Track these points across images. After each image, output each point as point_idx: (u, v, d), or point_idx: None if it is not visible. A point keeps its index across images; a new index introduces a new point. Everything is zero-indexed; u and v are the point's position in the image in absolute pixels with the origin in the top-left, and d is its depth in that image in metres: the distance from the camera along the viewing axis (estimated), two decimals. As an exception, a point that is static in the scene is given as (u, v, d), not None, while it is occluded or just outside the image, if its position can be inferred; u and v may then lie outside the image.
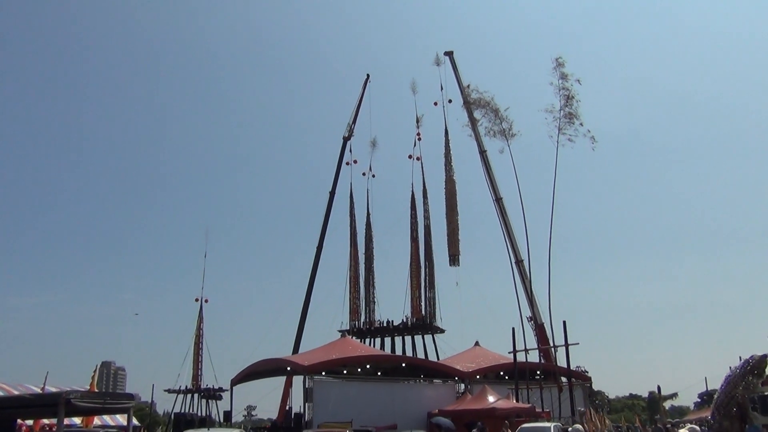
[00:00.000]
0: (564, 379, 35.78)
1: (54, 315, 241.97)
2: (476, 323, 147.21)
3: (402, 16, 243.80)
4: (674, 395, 62.97)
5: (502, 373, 41.93)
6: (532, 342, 40.23)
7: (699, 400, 64.99)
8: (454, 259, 52.41)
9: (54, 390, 24.09)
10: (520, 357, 35.39)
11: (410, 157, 56.39)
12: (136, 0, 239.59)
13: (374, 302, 55.19)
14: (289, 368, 39.12)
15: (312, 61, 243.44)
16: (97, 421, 28.40)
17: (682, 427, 30.99)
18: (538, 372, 39.29)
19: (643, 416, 62.10)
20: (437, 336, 52.70)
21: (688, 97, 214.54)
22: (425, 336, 52.73)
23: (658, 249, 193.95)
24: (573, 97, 37.00)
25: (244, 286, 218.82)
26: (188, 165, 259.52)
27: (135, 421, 33.49)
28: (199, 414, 48.58)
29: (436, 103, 55.84)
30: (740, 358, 25.18)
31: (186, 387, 52.60)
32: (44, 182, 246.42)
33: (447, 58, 57.21)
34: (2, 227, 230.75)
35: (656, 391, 48.79)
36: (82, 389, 25.43)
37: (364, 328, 53.93)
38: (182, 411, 50.15)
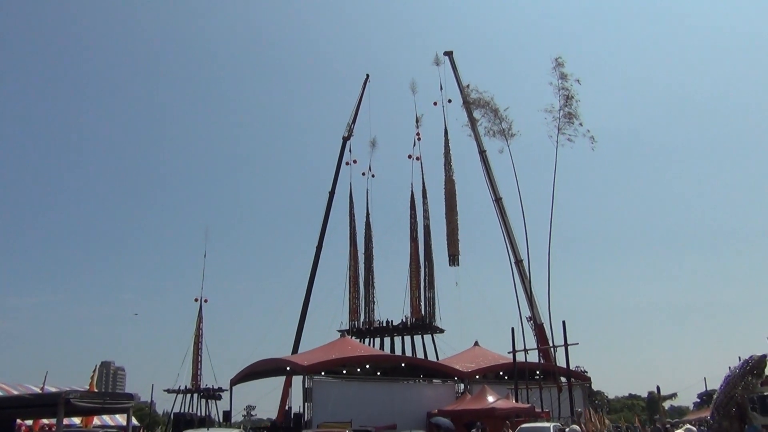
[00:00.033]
0: (563, 379, 35.78)
1: (53, 315, 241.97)
2: (476, 323, 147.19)
3: (401, 16, 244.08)
4: (673, 395, 63.05)
5: (501, 373, 41.94)
6: (531, 342, 40.28)
7: (698, 400, 65.03)
8: (453, 259, 52.40)
9: (53, 390, 24.10)
10: (520, 357, 35.41)
11: (410, 157, 56.40)
12: (136, 0, 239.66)
13: (374, 302, 55.23)
14: (288, 368, 39.13)
15: (312, 61, 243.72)
16: (96, 421, 28.40)
17: (680, 428, 31.04)
18: (538, 372, 39.32)
19: (643, 416, 62.12)
20: (437, 336, 52.73)
21: (688, 97, 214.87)
22: (425, 336, 52.72)
23: (657, 249, 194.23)
24: (572, 97, 37.09)
25: (244, 286, 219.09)
26: (188, 165, 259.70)
27: (134, 421, 33.51)
28: (199, 414, 48.56)
29: (435, 103, 55.87)
30: (739, 358, 25.15)
31: (185, 387, 52.60)
32: (44, 182, 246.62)
33: (446, 58, 57.20)
34: (2, 227, 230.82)
35: (655, 392, 48.82)
36: (82, 389, 25.45)
37: (364, 328, 53.92)
38: (182, 411, 50.13)
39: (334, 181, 58.79)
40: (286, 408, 46.36)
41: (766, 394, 22.66)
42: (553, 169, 37.65)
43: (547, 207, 38.35)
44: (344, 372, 38.05)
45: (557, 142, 36.99)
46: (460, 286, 53.59)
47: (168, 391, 52.53)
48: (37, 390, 27.90)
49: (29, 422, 24.69)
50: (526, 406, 32.49)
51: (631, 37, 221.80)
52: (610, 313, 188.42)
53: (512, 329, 35.43)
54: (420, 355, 50.73)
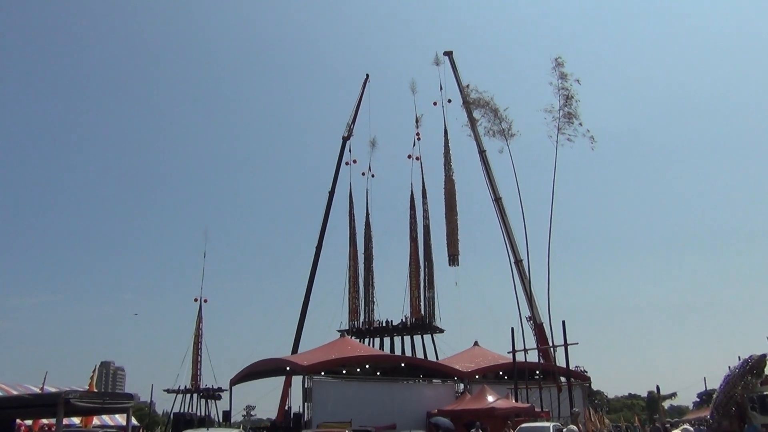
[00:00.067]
0: (563, 379, 35.78)
1: (53, 315, 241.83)
2: (475, 323, 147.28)
3: (401, 16, 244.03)
4: (673, 395, 63.03)
5: (501, 373, 41.94)
6: (531, 342, 40.22)
7: (698, 399, 65.13)
8: (453, 258, 52.40)
9: (53, 390, 24.11)
10: (520, 357, 35.38)
11: (409, 157, 56.38)
12: (136, 0, 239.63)
13: (373, 302, 55.22)
14: (288, 368, 39.13)
15: (311, 61, 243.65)
16: (96, 421, 28.39)
17: (678, 428, 31.07)
18: (538, 372, 39.31)
19: (643, 416, 62.15)
20: (436, 336, 52.71)
21: (688, 97, 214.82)
22: (424, 336, 52.71)
23: (657, 249, 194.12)
24: (572, 97, 37.04)
25: (244, 286, 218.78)
26: (187, 165, 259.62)
27: (134, 421, 33.49)
28: (199, 414, 48.54)
29: (435, 103, 55.83)
30: (739, 357, 25.16)
31: (185, 387, 52.58)
32: (44, 182, 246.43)
33: (446, 58, 57.18)
34: (2, 227, 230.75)
35: (655, 391, 48.84)
36: (81, 389, 25.46)
37: (364, 328, 53.92)
38: (181, 411, 50.10)
39: (333, 181, 58.86)
40: (286, 408, 46.36)
41: (765, 393, 22.66)
42: (553, 169, 37.64)
43: (546, 207, 38.37)
44: (344, 372, 38.05)
45: (557, 142, 36.96)
46: (460, 286, 53.71)
47: (168, 391, 52.56)
48: (37, 390, 27.89)
49: (29, 422, 24.68)
50: (526, 405, 32.49)
51: (631, 37, 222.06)
52: (610, 313, 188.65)
53: (512, 329, 35.45)
54: (420, 355, 50.74)
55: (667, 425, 33.21)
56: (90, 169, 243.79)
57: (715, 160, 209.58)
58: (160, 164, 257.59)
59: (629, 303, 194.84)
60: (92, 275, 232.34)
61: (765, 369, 23.71)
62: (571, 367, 36.96)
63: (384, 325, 53.56)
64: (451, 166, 54.82)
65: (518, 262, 46.23)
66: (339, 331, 51.55)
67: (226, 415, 42.25)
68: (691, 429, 28.96)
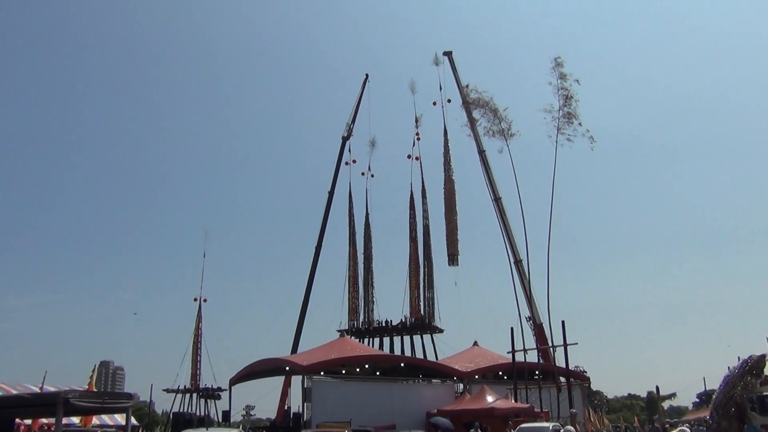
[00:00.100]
0: (563, 379, 35.80)
1: (53, 315, 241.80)
2: (475, 323, 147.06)
3: (401, 16, 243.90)
4: (673, 395, 63.13)
5: (500, 373, 41.95)
6: (530, 342, 40.26)
7: (697, 400, 65.23)
8: (452, 258, 52.41)
9: (52, 389, 24.11)
10: (519, 357, 35.41)
11: (409, 157, 56.39)
12: (136, 0, 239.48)
13: (373, 302, 55.23)
14: (287, 368, 39.13)
15: (311, 61, 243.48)
16: (95, 420, 28.41)
17: (675, 428, 31.08)
18: (537, 372, 39.32)
19: (642, 416, 62.20)
20: (436, 336, 52.72)
21: (688, 97, 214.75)
22: (424, 336, 52.72)
23: (657, 249, 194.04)
24: (572, 97, 37.14)
25: (243, 286, 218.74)
26: (187, 165, 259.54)
27: (133, 421, 33.48)
28: (198, 414, 48.51)
29: (435, 103, 55.84)
30: (739, 358, 25.17)
31: (185, 387, 52.57)
32: (44, 182, 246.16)
33: (446, 58, 57.18)
34: (1, 227, 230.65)
35: (655, 391, 48.93)
36: (81, 389, 25.44)
37: (363, 328, 53.93)
38: (181, 411, 50.08)
39: (333, 181, 58.84)
40: (286, 408, 46.37)
41: (765, 393, 22.68)
42: (553, 169, 37.74)
43: (546, 207, 38.44)
44: (343, 372, 38.06)
45: (556, 142, 37.06)
46: (460, 286, 53.45)
47: (167, 390, 52.56)
48: (36, 389, 27.93)
49: (28, 422, 24.69)
50: (526, 406, 32.50)
51: (631, 37, 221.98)
52: (610, 313, 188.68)
53: (511, 329, 35.48)
54: (419, 355, 50.76)
55: (667, 425, 33.25)
56: (90, 169, 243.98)
57: (715, 160, 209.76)
58: (160, 164, 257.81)
59: (629, 303, 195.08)
60: (92, 275, 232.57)
61: (764, 369, 23.74)
62: (571, 367, 37.00)
63: (383, 325, 53.58)
64: (450, 166, 54.91)
65: (518, 262, 46.25)
66: (338, 331, 51.57)
67: (226, 414, 42.27)
68: (688, 430, 28.97)
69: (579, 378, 43.25)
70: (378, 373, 39.26)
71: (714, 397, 27.74)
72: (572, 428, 25.17)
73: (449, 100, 54.48)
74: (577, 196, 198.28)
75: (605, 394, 75.73)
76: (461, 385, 39.03)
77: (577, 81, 37.22)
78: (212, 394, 51.43)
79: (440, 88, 55.25)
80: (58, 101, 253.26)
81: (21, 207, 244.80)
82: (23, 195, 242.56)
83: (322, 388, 34.42)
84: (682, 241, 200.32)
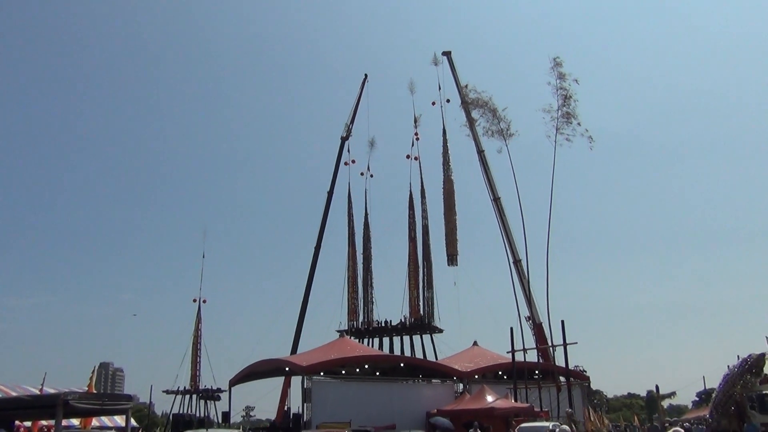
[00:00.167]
0: (562, 379, 35.81)
1: (52, 316, 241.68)
2: (474, 323, 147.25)
3: (400, 16, 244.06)
4: (672, 394, 63.11)
5: (500, 372, 41.96)
6: (530, 342, 40.29)
7: (697, 398, 65.21)
8: (452, 258, 52.40)
9: (52, 391, 24.11)
10: (519, 357, 35.42)
11: (408, 157, 56.35)
12: (136, 0, 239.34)
13: (372, 302, 55.17)
14: (287, 368, 39.11)
15: (310, 61, 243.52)
16: (95, 422, 28.31)
17: (672, 427, 31.15)
18: (537, 372, 39.34)
19: (642, 415, 62.23)
20: (435, 336, 52.69)
21: (688, 97, 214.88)
22: (423, 336, 52.69)
23: (656, 249, 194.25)
24: (571, 97, 37.16)
25: (243, 287, 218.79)
26: (186, 165, 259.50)
27: (133, 422, 33.42)
28: (198, 415, 48.45)
29: (434, 103, 55.83)
30: (738, 357, 25.23)
31: (184, 388, 52.42)
32: (43, 182, 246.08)
33: (445, 57, 57.24)
34: (1, 227, 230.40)
35: (654, 390, 48.93)
36: (80, 390, 25.46)
37: (363, 328, 53.90)
38: (180, 412, 49.99)
39: (332, 181, 58.79)
40: (285, 408, 46.33)
41: (764, 392, 22.72)
42: (552, 168, 37.76)
43: (545, 207, 38.45)
44: (343, 372, 38.04)
45: (555, 141, 37.08)
46: (459, 286, 53.49)
47: (167, 392, 52.40)
48: (36, 391, 27.89)
49: (28, 423, 24.63)
50: (525, 405, 32.51)
51: (631, 37, 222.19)
52: (609, 313, 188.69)
53: (511, 329, 35.50)
54: (419, 355, 50.74)
55: (666, 424, 33.30)
56: (89, 169, 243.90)
57: (715, 160, 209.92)
58: (159, 164, 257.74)
59: (629, 302, 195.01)
60: (91, 276, 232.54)
61: (764, 368, 23.78)
62: (570, 366, 36.99)
63: (383, 325, 53.56)
64: (449, 166, 54.89)
65: (517, 262, 46.25)
66: (338, 331, 51.55)
67: (226, 415, 42.25)
68: (681, 430, 29.10)
69: (579, 377, 43.25)
70: (378, 374, 39.25)
71: (714, 395, 27.80)
72: (567, 428, 25.22)
73: (448, 100, 54.56)
74: (576, 196, 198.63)
75: (605, 393, 75.62)
76: (461, 385, 39.03)
77: (576, 81, 37.30)
78: (212, 395, 51.31)
79: (439, 88, 55.37)
80: (58, 101, 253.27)
81: (20, 207, 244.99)
82: (23, 195, 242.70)
83: (322, 389, 34.41)
84: (682, 241, 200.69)
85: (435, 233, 55.14)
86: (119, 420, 29.19)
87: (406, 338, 53.19)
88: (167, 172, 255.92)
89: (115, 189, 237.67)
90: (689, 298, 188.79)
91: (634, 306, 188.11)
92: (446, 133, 55.51)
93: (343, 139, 60.01)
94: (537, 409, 32.69)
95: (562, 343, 33.48)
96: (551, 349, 37.86)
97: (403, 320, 53.06)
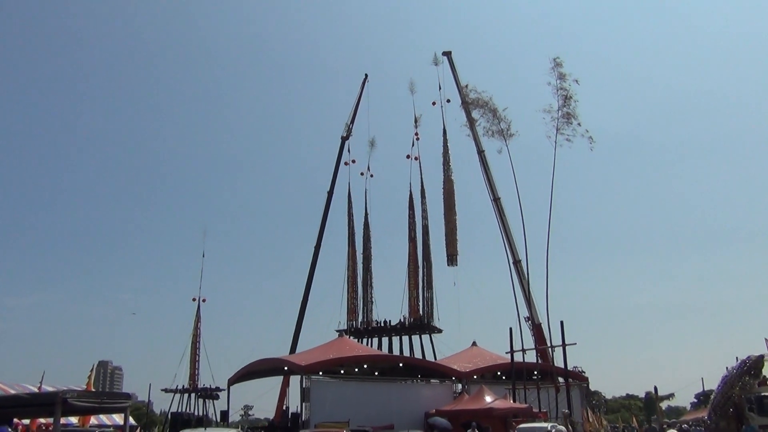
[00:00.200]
0: (561, 380, 35.84)
1: (51, 314, 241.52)
2: (474, 323, 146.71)
3: (400, 16, 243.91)
4: (671, 395, 63.28)
5: (499, 373, 42.00)
6: (529, 342, 40.32)
7: (696, 400, 65.33)
8: (452, 259, 52.42)
9: (51, 389, 24.05)
10: (518, 357, 35.44)
11: (408, 157, 56.44)
12: (137, 0, 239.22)
13: (372, 302, 55.21)
14: (286, 368, 39.15)
15: (310, 61, 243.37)
16: (93, 420, 28.39)
17: (671, 428, 31.18)
18: (536, 372, 39.35)
19: (640, 416, 62.25)
20: (435, 336, 52.72)
21: (688, 97, 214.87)
22: (423, 336, 52.72)
23: (656, 249, 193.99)
24: (571, 98, 37.29)
25: (242, 286, 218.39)
26: (186, 165, 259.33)
27: (132, 421, 33.46)
28: (196, 413, 48.50)
29: (434, 103, 55.87)
30: (737, 358, 25.24)
31: (183, 386, 52.46)
32: (42, 181, 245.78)
33: (445, 58, 57.28)
34: (0, 227, 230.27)
35: (653, 392, 48.93)
36: (79, 388, 25.42)
37: (362, 328, 53.93)
38: (179, 410, 50.02)
39: (332, 181, 58.81)
40: (284, 408, 46.34)
41: (763, 394, 22.72)
42: (552, 169, 37.82)
43: (545, 207, 38.54)
44: (342, 372, 38.06)
45: (556, 142, 37.16)
46: (458, 286, 53.49)
47: (165, 390, 52.44)
48: (35, 389, 27.87)
49: (26, 421, 24.65)
50: (524, 406, 32.52)
51: (631, 37, 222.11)
52: (608, 313, 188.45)
53: (510, 329, 35.54)
54: (418, 355, 50.76)
55: (665, 426, 33.32)
56: (88, 169, 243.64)
57: (715, 160, 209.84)
58: (159, 164, 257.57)
59: (628, 303, 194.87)
60: (90, 274, 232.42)
61: (762, 370, 23.79)
62: (569, 367, 37.01)
63: (382, 325, 53.58)
64: (449, 166, 54.93)
65: (517, 263, 46.28)
66: (337, 330, 51.55)
67: (224, 414, 42.26)
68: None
69: (577, 378, 43.28)
70: (376, 373, 39.28)
71: (712, 397, 27.83)
72: (563, 428, 25.26)
73: (448, 100, 54.60)
74: (576, 196, 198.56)
75: (603, 394, 75.81)
76: (460, 385, 39.06)
77: (576, 81, 37.41)
78: (211, 394, 51.35)
79: (439, 88, 55.41)
80: (57, 101, 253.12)
81: (19, 207, 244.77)
82: (22, 194, 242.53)
83: (321, 388, 34.41)
84: (682, 241, 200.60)
85: (435, 233, 55.27)
86: (117, 418, 29.21)
87: (405, 338, 53.26)
88: (167, 172, 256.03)
89: (115, 188, 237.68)
90: (689, 298, 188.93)
91: (633, 306, 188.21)
92: (446, 133, 55.65)
93: (343, 139, 60.06)
94: (535, 410, 32.71)
95: (561, 343, 33.52)
96: (550, 349, 37.90)
97: (402, 320, 53.09)
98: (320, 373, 35.88)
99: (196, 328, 54.13)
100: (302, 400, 34.67)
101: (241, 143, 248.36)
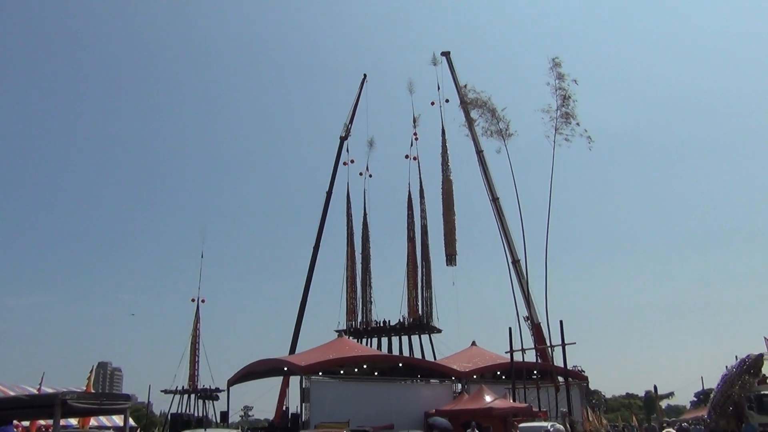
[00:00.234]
0: (561, 379, 35.85)
1: (50, 315, 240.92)
2: (473, 323, 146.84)
3: (399, 16, 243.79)
4: (671, 394, 63.35)
5: (498, 372, 42.00)
6: (529, 342, 40.40)
7: (695, 399, 65.35)
8: (450, 258, 52.44)
9: (50, 391, 24.04)
10: (517, 357, 35.48)
11: (407, 157, 56.50)
12: (137, 0, 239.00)
13: (371, 302, 55.21)
14: (286, 368, 39.12)
15: (309, 61, 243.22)
16: (93, 422, 28.30)
17: (670, 428, 31.22)
18: (535, 372, 39.36)
19: (640, 415, 62.31)
20: (434, 336, 52.73)
21: (688, 97, 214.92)
22: (422, 336, 52.74)
23: (655, 249, 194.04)
24: (569, 97, 37.28)
25: (241, 287, 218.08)
26: (185, 165, 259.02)
27: (131, 422, 33.41)
28: (196, 414, 48.44)
29: (433, 103, 55.89)
30: (736, 357, 25.29)
31: (183, 387, 52.41)
32: (42, 182, 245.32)
33: (444, 58, 57.31)
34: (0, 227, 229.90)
35: (653, 391, 49.01)
36: (79, 390, 25.39)
37: (361, 328, 53.92)
38: (179, 411, 49.97)
39: (331, 181, 58.80)
40: (284, 408, 46.29)
41: (762, 392, 22.75)
42: (551, 169, 37.83)
43: (544, 207, 38.54)
44: (342, 372, 38.04)
45: (554, 142, 37.17)
46: (458, 286, 53.44)
47: (165, 391, 52.39)
48: (34, 391, 27.82)
49: (26, 423, 24.60)
50: (524, 405, 32.54)
51: (631, 37, 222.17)
52: (608, 313, 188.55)
53: (509, 329, 35.57)
54: (417, 355, 50.77)
55: (664, 424, 33.36)
56: (88, 169, 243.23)
57: (715, 160, 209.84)
58: (159, 164, 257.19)
59: (627, 303, 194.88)
60: (89, 275, 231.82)
61: (762, 369, 23.82)
62: (569, 366, 37.02)
63: (381, 325, 53.58)
64: (448, 166, 54.95)
65: (516, 262, 46.29)
66: (336, 331, 51.56)
67: (224, 415, 42.20)
68: (672, 431, 29.24)
69: (577, 377, 43.30)
70: (376, 374, 39.28)
71: (712, 396, 27.85)
72: (561, 427, 25.29)
73: (447, 100, 54.62)
74: (575, 196, 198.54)
75: (603, 393, 75.82)
76: (459, 385, 39.06)
77: (575, 81, 37.41)
78: (210, 394, 51.32)
79: (438, 88, 55.45)
80: (56, 101, 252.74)
81: (19, 207, 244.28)
82: (22, 194, 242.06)
83: (321, 389, 34.41)
84: (682, 241, 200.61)
85: (434, 233, 55.28)
86: (117, 420, 29.17)
87: (405, 338, 53.28)
88: (166, 172, 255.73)
89: (114, 189, 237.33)
90: (688, 298, 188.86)
91: (633, 306, 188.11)
92: (445, 133, 55.69)
93: (342, 139, 60.04)
94: (535, 409, 32.73)
95: (560, 343, 33.54)
96: (550, 349, 37.91)
97: (401, 320, 53.10)
98: (320, 373, 35.87)
99: (196, 328, 54.06)
100: (302, 400, 34.67)
101: (240, 143, 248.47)
